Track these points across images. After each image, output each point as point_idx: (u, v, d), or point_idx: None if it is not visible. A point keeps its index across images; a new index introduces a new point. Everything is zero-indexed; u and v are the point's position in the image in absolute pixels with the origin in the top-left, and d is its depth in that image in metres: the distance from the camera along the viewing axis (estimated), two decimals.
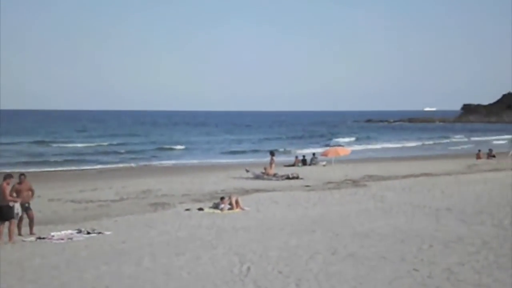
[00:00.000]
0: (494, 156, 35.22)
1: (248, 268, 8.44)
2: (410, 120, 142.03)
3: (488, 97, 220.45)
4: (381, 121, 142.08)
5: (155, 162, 36.85)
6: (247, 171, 24.30)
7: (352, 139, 66.86)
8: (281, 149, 47.14)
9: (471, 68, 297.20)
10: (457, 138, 71.28)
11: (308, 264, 8.66)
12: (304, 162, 31.39)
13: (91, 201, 16.94)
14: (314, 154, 33.52)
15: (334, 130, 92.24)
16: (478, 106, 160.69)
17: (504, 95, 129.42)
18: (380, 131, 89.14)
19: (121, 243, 10.65)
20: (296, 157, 32.91)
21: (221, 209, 14.67)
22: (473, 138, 68.87)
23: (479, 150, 37.09)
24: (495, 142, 53.76)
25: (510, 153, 36.50)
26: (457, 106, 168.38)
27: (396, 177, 22.19)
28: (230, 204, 14.87)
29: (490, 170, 24.79)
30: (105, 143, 52.92)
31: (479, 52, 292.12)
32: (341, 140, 62.93)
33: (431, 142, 59.39)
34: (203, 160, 39.48)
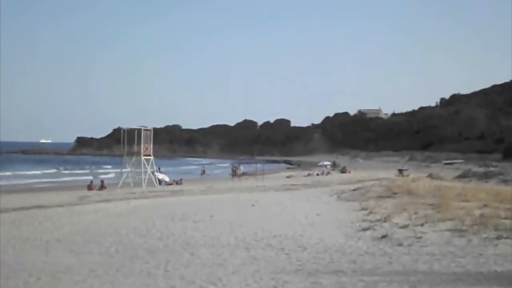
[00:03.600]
0: (105, 188, 37.13)
1: None
2: (24, 152, 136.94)
3: (100, 131, 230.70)
4: None
5: None
6: None
7: None
8: None
9: (85, 103, 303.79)
10: (73, 170, 72.28)
11: None
12: None
13: None
14: None
15: None
16: (91, 139, 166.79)
17: (114, 130, 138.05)
18: None
19: None
20: None
21: None
22: (86, 170, 70.96)
23: (91, 182, 38.58)
24: (106, 175, 56.42)
25: (120, 184, 39.09)
26: (72, 139, 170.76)
27: (7, 211, 21.05)
28: None
29: (100, 201, 25.89)
30: None
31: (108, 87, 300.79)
32: None
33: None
34: None
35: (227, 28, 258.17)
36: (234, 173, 57.69)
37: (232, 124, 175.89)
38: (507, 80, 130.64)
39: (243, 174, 58.74)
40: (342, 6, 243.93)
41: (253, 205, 21.97)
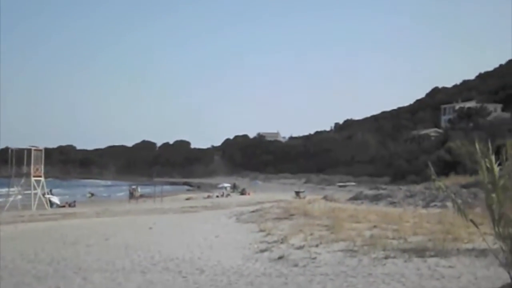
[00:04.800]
0: None
1: None
2: None
3: None
4: None
5: None
6: None
7: None
8: None
9: None
10: None
11: None
12: None
13: None
14: None
15: None
16: None
17: (1, 149, 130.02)
18: None
19: None
20: None
21: None
22: None
23: None
24: None
25: (6, 207, 36.79)
26: None
27: None
28: None
29: None
30: None
31: None
32: None
33: None
34: None
35: (118, 47, 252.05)
36: (131, 195, 56.45)
37: (129, 145, 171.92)
38: (395, 108, 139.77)
39: (141, 196, 57.62)
40: (241, 34, 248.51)
41: (150, 228, 21.57)
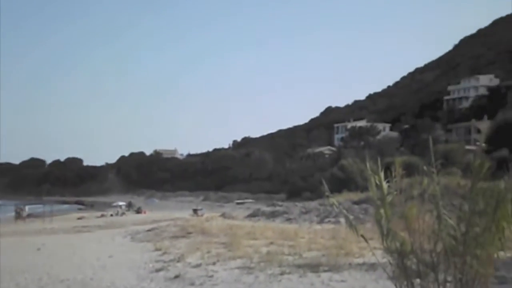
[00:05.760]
0: None
1: None
2: None
3: None
4: None
5: None
6: None
7: None
8: None
9: None
10: None
11: None
12: None
13: None
14: None
15: None
16: None
17: None
18: None
19: None
20: None
21: None
22: None
23: None
24: None
25: None
26: None
27: None
28: None
29: None
30: None
31: None
32: None
33: None
34: None
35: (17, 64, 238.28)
36: (18, 215, 53.20)
37: (16, 162, 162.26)
38: (291, 126, 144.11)
39: (29, 216, 54.46)
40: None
41: (38, 249, 20.44)
